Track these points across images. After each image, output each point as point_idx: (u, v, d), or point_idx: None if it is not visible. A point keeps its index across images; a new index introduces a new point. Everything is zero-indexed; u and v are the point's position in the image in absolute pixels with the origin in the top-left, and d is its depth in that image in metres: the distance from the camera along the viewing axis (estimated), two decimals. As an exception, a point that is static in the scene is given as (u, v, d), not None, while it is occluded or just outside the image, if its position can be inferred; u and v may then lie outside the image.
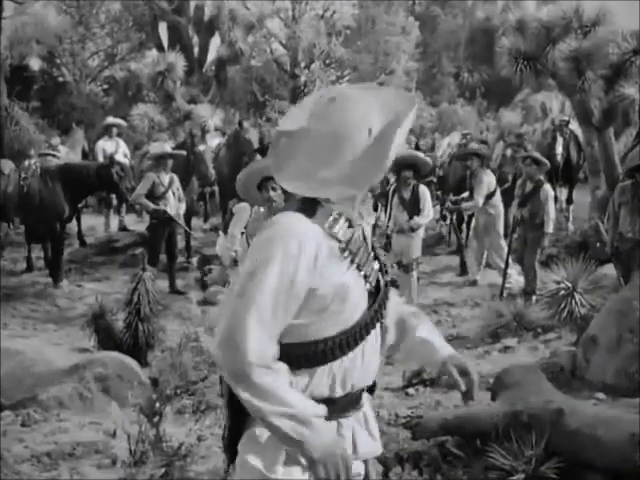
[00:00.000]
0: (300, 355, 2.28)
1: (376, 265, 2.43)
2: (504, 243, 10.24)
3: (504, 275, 9.77)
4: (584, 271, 7.34)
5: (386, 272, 2.49)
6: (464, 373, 2.59)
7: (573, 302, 7.11)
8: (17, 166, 11.13)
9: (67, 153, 13.04)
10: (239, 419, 2.35)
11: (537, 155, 10.03)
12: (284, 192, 6.39)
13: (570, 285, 7.18)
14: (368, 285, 2.36)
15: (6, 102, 14.79)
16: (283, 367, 2.24)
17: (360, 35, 22.82)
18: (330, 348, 2.29)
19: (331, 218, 2.28)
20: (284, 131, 2.37)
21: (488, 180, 10.39)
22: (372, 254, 2.43)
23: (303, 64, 22.37)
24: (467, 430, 5.08)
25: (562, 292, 7.20)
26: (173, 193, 10.42)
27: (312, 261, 2.21)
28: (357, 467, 2.43)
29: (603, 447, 4.27)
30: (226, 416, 2.43)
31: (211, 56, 22.20)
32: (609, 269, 8.87)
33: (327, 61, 22.58)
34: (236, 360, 2.17)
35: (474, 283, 10.81)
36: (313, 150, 2.29)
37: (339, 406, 2.35)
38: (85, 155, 14.80)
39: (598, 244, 9.87)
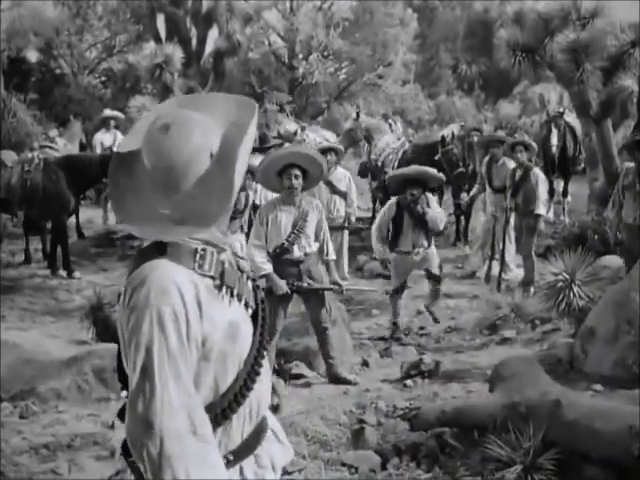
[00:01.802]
0: (218, 413, 2.11)
1: (250, 284, 2.28)
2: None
3: (501, 268, 9.76)
4: (582, 263, 7.34)
5: (258, 287, 2.34)
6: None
7: (571, 294, 7.11)
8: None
9: (65, 145, 13.02)
10: None
11: (526, 139, 10.11)
12: (304, 179, 6.58)
13: (568, 277, 7.17)
14: (250, 310, 2.24)
15: (3, 94, 14.75)
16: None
17: (358, 27, 22.74)
18: (237, 393, 2.13)
19: (197, 256, 2.08)
20: (120, 169, 2.14)
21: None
22: (244, 276, 2.26)
23: (301, 56, 22.35)
24: (465, 422, 5.09)
25: (560, 284, 7.20)
26: None
27: (197, 310, 2.01)
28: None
29: (601, 438, 4.28)
30: None
31: (209, 48, 22.13)
32: (607, 261, 8.88)
33: (325, 53, 22.52)
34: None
35: (473, 275, 10.81)
36: (154, 188, 2.06)
37: (253, 442, 2.24)
38: (83, 147, 14.77)
39: (596, 236, 9.88)
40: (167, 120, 2.08)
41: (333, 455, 5.01)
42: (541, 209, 9.37)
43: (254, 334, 2.23)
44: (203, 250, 2.10)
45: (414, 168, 8.79)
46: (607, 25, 11.57)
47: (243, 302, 2.21)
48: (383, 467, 4.91)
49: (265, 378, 2.28)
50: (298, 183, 6.52)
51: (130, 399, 1.97)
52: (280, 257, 6.64)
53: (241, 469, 2.21)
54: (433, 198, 8.70)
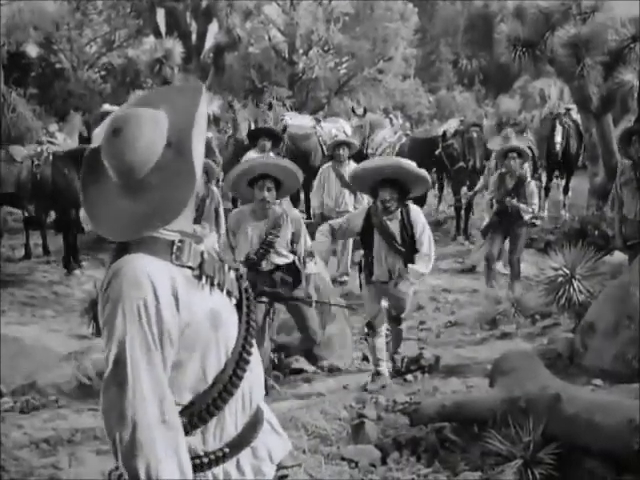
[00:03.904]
0: (209, 404, 2.15)
1: (232, 274, 2.31)
2: None
3: (489, 267, 9.46)
4: (582, 258, 7.35)
5: (241, 276, 2.37)
6: None
7: (571, 289, 7.11)
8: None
9: (64, 140, 13.00)
10: None
11: (521, 146, 9.56)
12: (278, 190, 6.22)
13: (568, 272, 7.18)
14: (233, 299, 2.26)
15: (3, 89, 14.73)
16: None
17: (358, 21, 22.71)
18: (226, 382, 2.17)
19: (175, 248, 2.12)
20: (88, 176, 2.19)
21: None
22: (225, 266, 2.27)
23: (301, 51, 22.32)
24: (465, 416, 5.09)
25: (560, 279, 7.20)
26: None
27: (173, 301, 2.04)
28: (271, 473, 2.36)
29: (600, 433, 4.28)
30: None
31: (209, 43, 22.11)
32: (607, 256, 8.88)
33: (325, 48, 22.51)
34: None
35: (473, 269, 10.82)
36: (119, 190, 2.11)
37: (249, 433, 2.26)
38: (85, 141, 14.73)
39: (597, 232, 9.88)
40: (117, 123, 2.11)
41: (333, 449, 5.02)
42: (527, 217, 9.13)
43: (240, 323, 2.25)
44: (181, 242, 2.14)
45: (383, 160, 7.50)
46: (608, 20, 11.55)
47: (225, 291, 2.23)
48: (383, 461, 4.91)
49: (256, 367, 2.30)
50: (271, 195, 6.13)
51: (104, 388, 2.01)
52: (250, 268, 6.20)
53: (238, 461, 2.23)
54: (419, 213, 6.52)
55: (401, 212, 6.35)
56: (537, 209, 9.28)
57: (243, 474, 2.24)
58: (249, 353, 2.23)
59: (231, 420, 2.21)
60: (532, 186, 9.12)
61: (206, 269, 2.16)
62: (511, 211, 8.93)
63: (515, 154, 9.06)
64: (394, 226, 6.33)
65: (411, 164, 6.38)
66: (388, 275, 6.39)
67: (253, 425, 2.28)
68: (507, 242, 9.38)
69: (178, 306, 2.06)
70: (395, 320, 6.82)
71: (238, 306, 2.29)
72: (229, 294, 2.25)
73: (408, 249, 6.33)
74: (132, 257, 2.08)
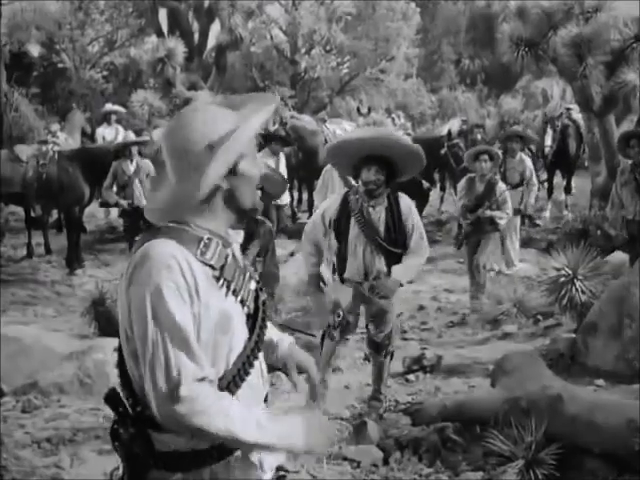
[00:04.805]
0: None
1: (252, 285, 2.31)
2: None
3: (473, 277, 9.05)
4: (584, 258, 7.34)
5: (261, 290, 2.37)
6: (305, 371, 2.51)
7: (573, 289, 7.09)
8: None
9: (66, 140, 13.01)
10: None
11: (491, 149, 9.22)
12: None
13: (570, 272, 7.17)
14: (246, 309, 2.26)
15: (5, 88, 14.72)
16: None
17: (360, 21, 22.67)
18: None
19: (202, 244, 2.15)
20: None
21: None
22: (247, 274, 2.29)
23: (303, 50, 22.28)
24: (467, 416, 5.10)
25: (562, 279, 7.19)
26: (140, 181, 10.19)
27: (195, 289, 2.07)
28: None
29: (602, 433, 4.29)
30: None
31: (211, 42, 22.08)
32: (609, 256, 8.87)
33: (327, 47, 22.46)
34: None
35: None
36: (166, 170, 2.23)
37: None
38: (89, 138, 14.72)
39: (599, 232, 9.86)
40: (187, 107, 2.28)
41: (335, 449, 5.02)
42: (503, 220, 8.77)
43: (251, 334, 2.25)
44: (209, 239, 2.17)
45: (368, 131, 6.36)
46: (610, 19, 11.53)
47: (239, 299, 2.22)
48: (385, 462, 4.92)
49: (256, 380, 2.29)
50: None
51: (149, 372, 2.03)
52: None
53: (228, 463, 2.21)
54: (410, 204, 5.47)
55: (388, 198, 5.30)
56: (511, 212, 8.92)
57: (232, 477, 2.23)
58: (251, 365, 2.23)
59: None
60: (504, 191, 8.69)
61: (226, 272, 2.18)
62: (484, 220, 8.60)
63: (486, 156, 8.64)
64: (377, 215, 5.28)
65: (403, 137, 5.49)
66: (364, 275, 5.37)
67: None
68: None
69: (198, 297, 2.08)
70: (374, 346, 5.71)
71: (252, 316, 2.28)
72: (242, 302, 2.24)
73: (392, 244, 5.29)
74: (160, 242, 2.12)
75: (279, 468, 2.45)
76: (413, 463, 4.83)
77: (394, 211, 5.27)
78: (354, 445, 5.11)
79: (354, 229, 5.29)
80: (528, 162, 10.46)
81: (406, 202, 5.38)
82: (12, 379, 6.40)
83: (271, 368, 2.47)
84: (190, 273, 2.06)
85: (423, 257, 5.46)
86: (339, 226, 5.35)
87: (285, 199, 11.84)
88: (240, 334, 2.22)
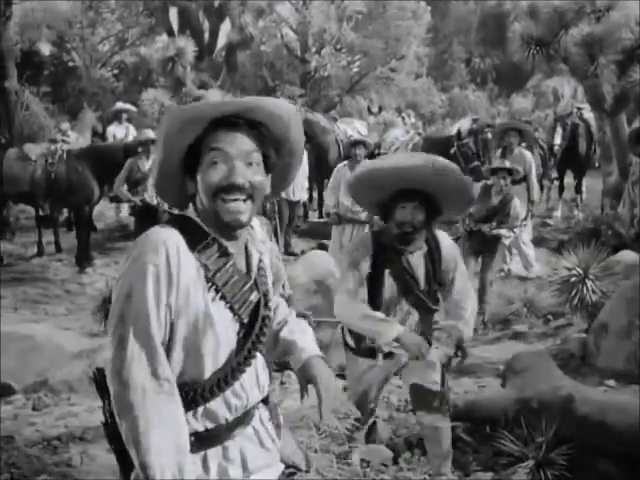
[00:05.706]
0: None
1: (254, 296, 2.29)
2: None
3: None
4: (595, 258, 7.31)
5: (265, 305, 2.34)
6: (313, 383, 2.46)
7: (584, 289, 7.07)
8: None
9: (77, 139, 13.04)
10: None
11: (508, 164, 8.54)
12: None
13: (581, 272, 7.14)
14: (237, 318, 2.24)
15: (16, 87, 14.76)
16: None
17: (371, 20, 22.65)
18: (200, 393, 2.19)
19: (204, 242, 2.18)
20: None
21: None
22: (248, 285, 2.27)
23: (313, 49, 22.27)
24: (477, 416, 5.08)
25: (573, 279, 7.17)
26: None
27: (177, 279, 2.10)
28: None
29: (613, 433, 4.27)
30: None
31: (221, 41, 22.16)
32: (621, 255, 8.82)
33: (337, 46, 22.45)
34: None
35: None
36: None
37: (221, 433, 2.26)
38: (100, 137, 14.75)
39: (610, 231, 9.83)
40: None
41: (344, 449, 5.01)
42: (508, 241, 8.61)
43: (245, 343, 2.24)
44: (213, 240, 2.19)
45: (406, 158, 4.83)
46: (622, 18, 11.47)
47: (229, 306, 2.21)
48: (395, 461, 4.90)
49: (248, 382, 2.29)
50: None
51: (110, 343, 2.22)
52: None
53: (205, 457, 2.22)
54: (452, 244, 4.48)
55: (427, 242, 4.23)
56: (520, 228, 8.76)
57: (208, 471, 2.23)
58: (242, 372, 2.23)
59: (201, 421, 2.23)
60: (517, 207, 8.30)
61: (217, 278, 2.18)
62: (490, 236, 8.25)
63: (505, 172, 8.24)
64: (417, 263, 4.17)
65: (452, 166, 4.04)
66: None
67: (229, 427, 2.27)
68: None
69: (178, 287, 2.11)
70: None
71: (246, 328, 2.26)
72: (233, 310, 2.23)
73: (431, 299, 4.30)
74: (161, 228, 2.18)
75: (289, 466, 2.44)
76: (422, 463, 4.82)
77: (435, 258, 4.23)
78: (364, 445, 5.10)
79: (389, 284, 4.17)
80: (528, 156, 10.02)
81: (449, 244, 4.38)
82: (23, 377, 6.42)
83: (284, 366, 2.47)
84: (176, 260, 2.09)
85: (474, 299, 4.57)
86: (372, 276, 4.16)
87: (301, 195, 11.78)
88: (226, 343, 2.22)
